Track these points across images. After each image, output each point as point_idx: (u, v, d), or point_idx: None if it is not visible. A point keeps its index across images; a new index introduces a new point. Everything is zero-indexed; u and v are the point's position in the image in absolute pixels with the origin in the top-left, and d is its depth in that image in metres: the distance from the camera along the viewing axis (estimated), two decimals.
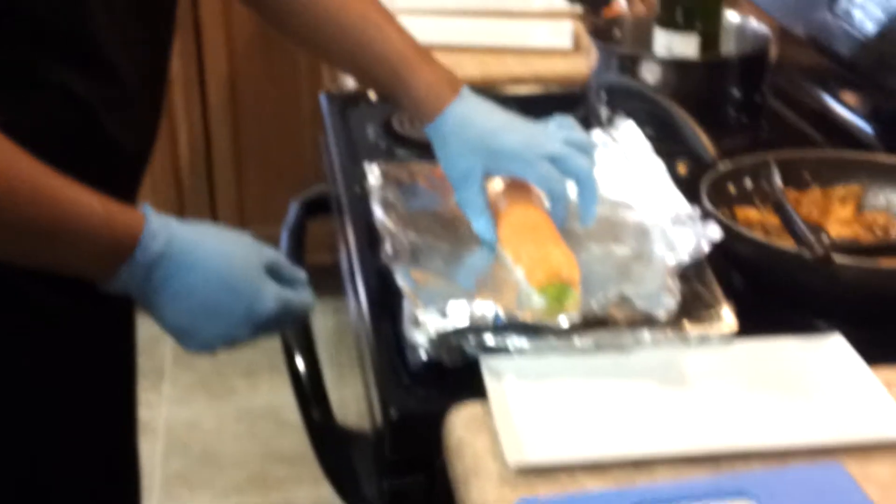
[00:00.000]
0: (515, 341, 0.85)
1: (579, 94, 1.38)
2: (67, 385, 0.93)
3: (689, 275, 0.92)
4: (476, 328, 0.84)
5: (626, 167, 1.09)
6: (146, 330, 2.83)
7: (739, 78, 1.29)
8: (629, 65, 1.28)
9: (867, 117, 1.27)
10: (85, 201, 0.79)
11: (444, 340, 0.84)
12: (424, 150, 1.24)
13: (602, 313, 0.86)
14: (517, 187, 1.04)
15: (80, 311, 0.91)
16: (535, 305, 0.87)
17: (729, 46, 1.34)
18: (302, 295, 0.88)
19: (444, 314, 0.84)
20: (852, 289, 0.91)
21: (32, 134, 0.78)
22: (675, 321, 0.87)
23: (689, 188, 1.03)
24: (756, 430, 0.78)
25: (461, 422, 0.80)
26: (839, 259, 0.89)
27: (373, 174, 1.09)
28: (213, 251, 0.83)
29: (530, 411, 0.80)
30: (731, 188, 1.07)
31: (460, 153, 0.98)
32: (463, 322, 0.83)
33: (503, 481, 0.74)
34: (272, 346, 2.53)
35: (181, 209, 2.54)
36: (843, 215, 1.05)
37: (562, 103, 1.42)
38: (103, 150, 0.88)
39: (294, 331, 1.07)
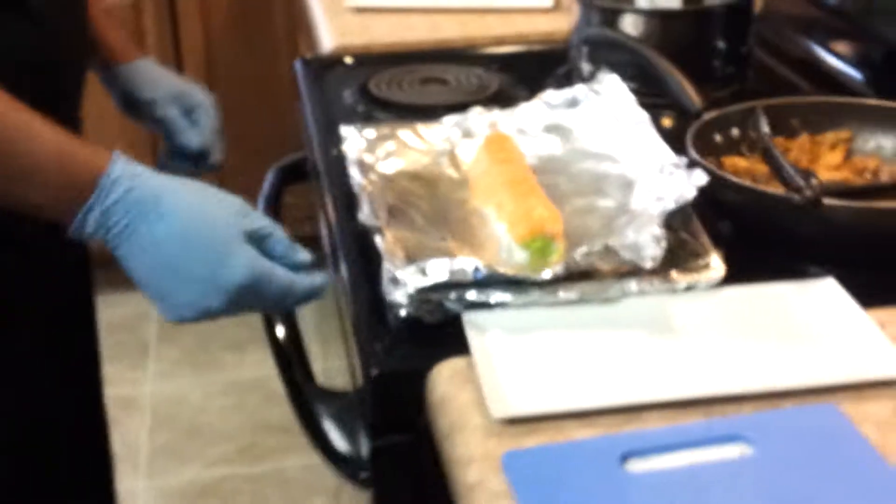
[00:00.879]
0: (497, 296, 0.82)
1: (561, 51, 1.36)
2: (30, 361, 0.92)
3: (675, 225, 0.90)
4: (457, 283, 0.81)
5: (610, 120, 1.07)
6: (131, 308, 2.82)
7: (724, 28, 1.26)
8: (611, 18, 1.25)
9: (856, 64, 1.25)
10: (37, 133, 0.77)
11: (425, 297, 0.81)
12: (403, 112, 1.23)
13: (587, 265, 0.84)
14: (498, 144, 1.02)
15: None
16: (517, 261, 0.85)
17: None
18: (307, 278, 0.82)
19: (423, 272, 0.81)
20: (843, 230, 0.89)
21: None
22: (662, 270, 0.85)
23: (675, 140, 1.01)
24: (748, 373, 0.76)
25: (444, 377, 0.78)
26: (829, 201, 0.87)
27: (349, 137, 1.06)
28: (182, 206, 0.78)
29: (514, 364, 0.77)
30: (718, 137, 1.05)
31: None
32: (442, 277, 0.81)
33: (489, 434, 0.72)
34: (256, 320, 2.52)
35: None
36: (832, 161, 1.03)
37: (543, 61, 1.40)
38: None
39: None
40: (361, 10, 1.58)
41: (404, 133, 1.08)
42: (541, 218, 0.87)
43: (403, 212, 0.94)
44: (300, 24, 2.26)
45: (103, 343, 2.65)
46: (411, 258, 0.84)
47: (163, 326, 2.56)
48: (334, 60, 1.43)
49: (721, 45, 1.26)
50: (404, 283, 0.81)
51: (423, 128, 1.09)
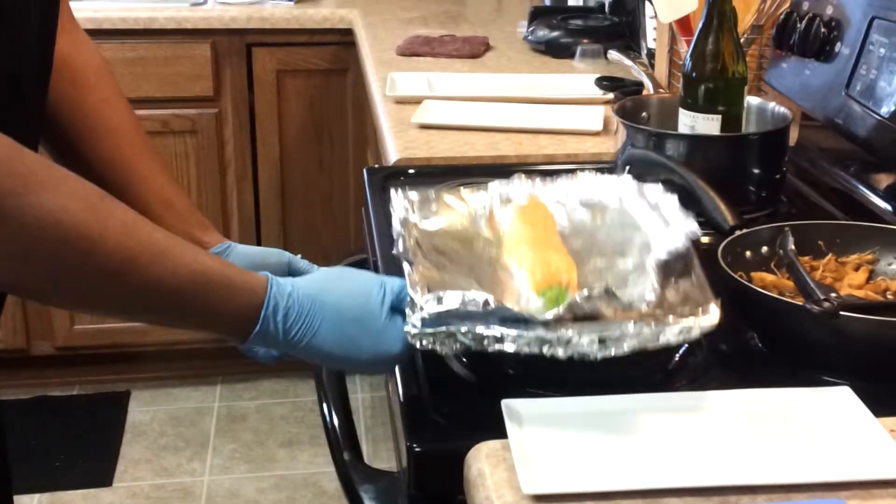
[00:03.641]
0: (504, 330, 0.86)
1: (607, 170, 1.45)
2: None
3: (681, 279, 0.94)
4: (468, 314, 0.86)
5: (640, 197, 1.10)
6: (193, 402, 2.93)
7: (759, 154, 1.35)
8: (654, 141, 1.34)
9: (886, 196, 1.33)
10: (207, 270, 0.84)
11: (438, 329, 0.86)
12: None
13: (590, 309, 0.87)
14: (532, 208, 1.07)
15: None
16: (533, 308, 0.89)
17: (750, 128, 1.40)
18: None
19: (439, 300, 0.86)
20: (859, 342, 0.95)
21: None
22: (661, 315, 0.88)
23: (708, 256, 1.08)
24: (762, 466, 0.82)
25: (481, 455, 0.85)
26: (846, 314, 0.93)
27: (396, 198, 1.10)
28: (331, 314, 0.88)
29: (546, 446, 0.84)
30: (748, 254, 1.12)
31: None
32: (455, 305, 0.85)
33: None
34: (311, 418, 2.61)
35: None
36: (856, 281, 1.10)
37: None
38: None
39: (329, 383, 1.13)
40: (426, 127, 1.71)
41: (449, 197, 1.11)
42: (557, 268, 0.92)
43: (436, 259, 0.98)
44: (368, 140, 2.41)
45: (167, 433, 2.77)
46: (431, 290, 0.89)
47: (222, 421, 2.66)
48: (398, 170, 1.54)
49: (756, 170, 1.34)
50: (421, 307, 0.86)
51: (466, 192, 1.12)
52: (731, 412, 0.89)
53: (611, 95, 1.86)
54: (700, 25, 1.34)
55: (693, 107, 1.35)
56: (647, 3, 2.00)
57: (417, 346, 0.87)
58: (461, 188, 1.12)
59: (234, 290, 0.86)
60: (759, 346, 1.03)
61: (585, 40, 2.19)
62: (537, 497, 0.79)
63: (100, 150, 1.06)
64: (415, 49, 2.23)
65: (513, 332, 0.86)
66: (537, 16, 2.35)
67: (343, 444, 1.07)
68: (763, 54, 1.65)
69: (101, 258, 0.79)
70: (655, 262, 0.93)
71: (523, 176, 1.14)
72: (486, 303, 0.86)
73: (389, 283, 0.91)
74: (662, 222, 1.03)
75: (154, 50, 2.52)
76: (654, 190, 1.10)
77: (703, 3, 1.38)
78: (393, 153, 1.60)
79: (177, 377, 2.79)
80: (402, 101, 1.84)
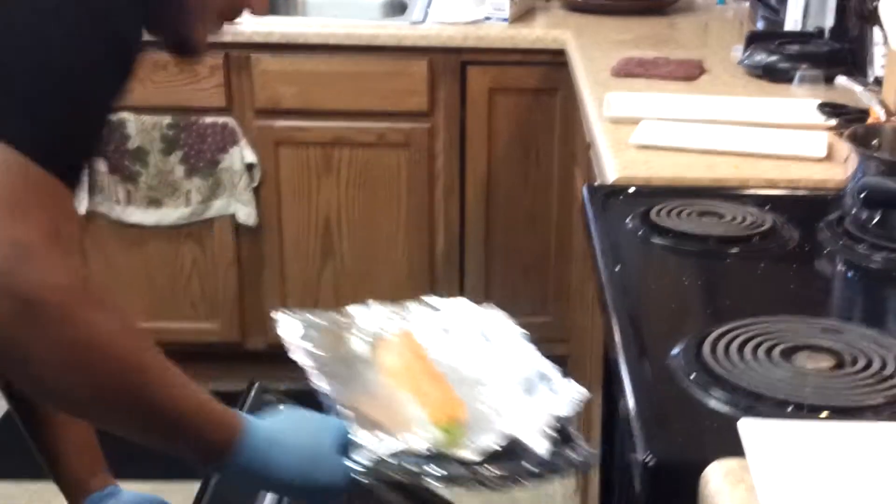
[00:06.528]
0: (430, 468, 0.97)
1: (831, 197, 1.44)
2: None
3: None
4: (410, 455, 0.97)
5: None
6: None
7: None
8: (889, 169, 1.32)
9: None
10: (190, 403, 0.92)
11: (377, 463, 0.97)
12: (680, 239, 1.35)
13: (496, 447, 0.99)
14: (412, 342, 1.16)
15: None
16: (436, 438, 1.00)
17: None
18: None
19: (381, 442, 0.97)
20: None
21: None
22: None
23: None
24: None
25: (720, 473, 0.87)
26: None
27: (283, 320, 1.20)
28: (287, 458, 0.97)
29: (786, 470, 0.84)
30: None
31: None
32: (396, 448, 0.97)
33: None
34: None
35: (433, 291, 2.75)
36: None
37: (813, 205, 1.48)
38: None
39: None
40: (644, 147, 1.72)
41: (332, 323, 1.19)
42: (458, 408, 1.05)
43: (345, 387, 1.07)
44: (577, 159, 2.44)
45: None
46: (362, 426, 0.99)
47: None
48: (619, 189, 1.57)
49: None
50: (367, 448, 0.97)
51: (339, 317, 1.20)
52: None
53: (833, 122, 1.82)
54: None
55: None
56: (874, 30, 1.95)
57: (363, 482, 0.97)
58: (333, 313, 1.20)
59: (213, 425, 0.94)
60: None
61: (805, 66, 2.15)
62: None
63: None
64: (629, 70, 2.24)
65: (437, 469, 0.98)
66: (754, 40, 2.32)
67: None
68: None
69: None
70: (553, 416, 1.01)
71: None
72: (429, 449, 0.98)
73: (334, 423, 1.00)
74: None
75: (375, 65, 2.64)
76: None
77: None
78: (612, 172, 1.63)
79: None
80: (618, 122, 1.86)
